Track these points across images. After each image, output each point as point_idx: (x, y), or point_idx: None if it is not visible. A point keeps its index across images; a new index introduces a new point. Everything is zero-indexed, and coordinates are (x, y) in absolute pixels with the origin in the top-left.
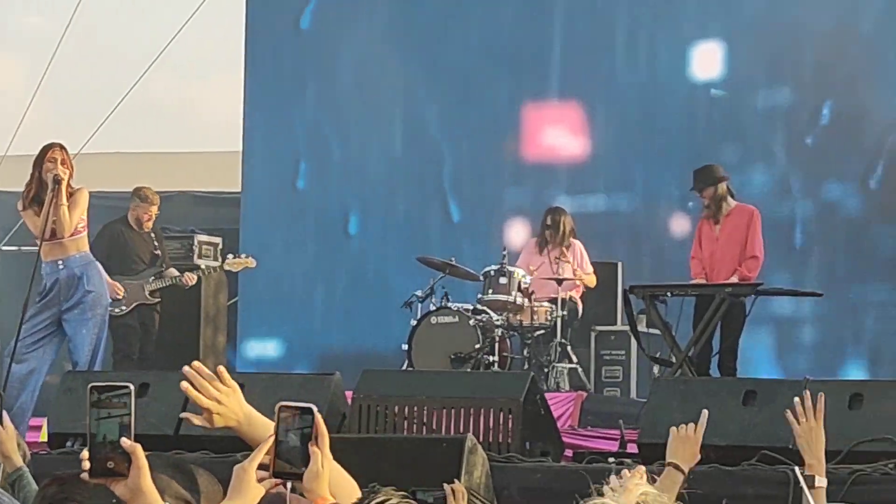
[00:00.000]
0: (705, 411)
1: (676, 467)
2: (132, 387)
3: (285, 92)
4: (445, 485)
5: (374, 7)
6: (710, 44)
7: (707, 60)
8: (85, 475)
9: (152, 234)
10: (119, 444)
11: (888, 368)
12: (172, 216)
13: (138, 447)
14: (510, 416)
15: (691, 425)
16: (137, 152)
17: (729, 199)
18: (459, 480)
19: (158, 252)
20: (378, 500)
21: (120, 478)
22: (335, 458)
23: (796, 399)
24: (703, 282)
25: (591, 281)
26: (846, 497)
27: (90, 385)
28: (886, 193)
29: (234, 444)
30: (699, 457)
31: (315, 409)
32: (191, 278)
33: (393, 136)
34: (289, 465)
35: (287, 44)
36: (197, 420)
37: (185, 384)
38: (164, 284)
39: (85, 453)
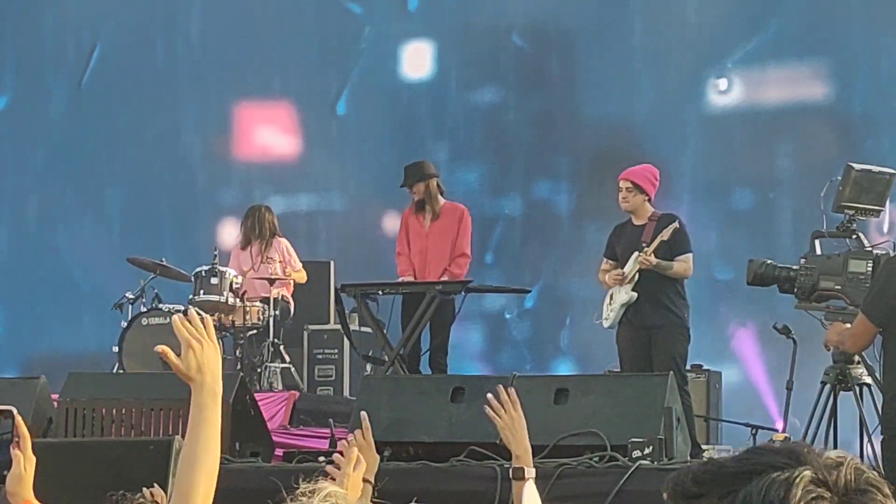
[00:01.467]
0: (363, 413)
1: (366, 481)
2: (15, 410)
3: None
4: (144, 489)
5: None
6: (420, 43)
7: (417, 59)
8: None
9: None
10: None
11: (596, 363)
12: None
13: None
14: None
15: (357, 432)
16: None
17: (439, 196)
18: (168, 482)
19: None
20: None
21: None
22: (41, 463)
23: (489, 395)
24: (413, 280)
25: (302, 277)
26: (552, 491)
27: None
28: (593, 191)
29: None
30: (378, 458)
31: (15, 411)
32: None
33: (97, 134)
34: None
35: None
36: (172, 357)
37: (177, 318)
38: None
39: None
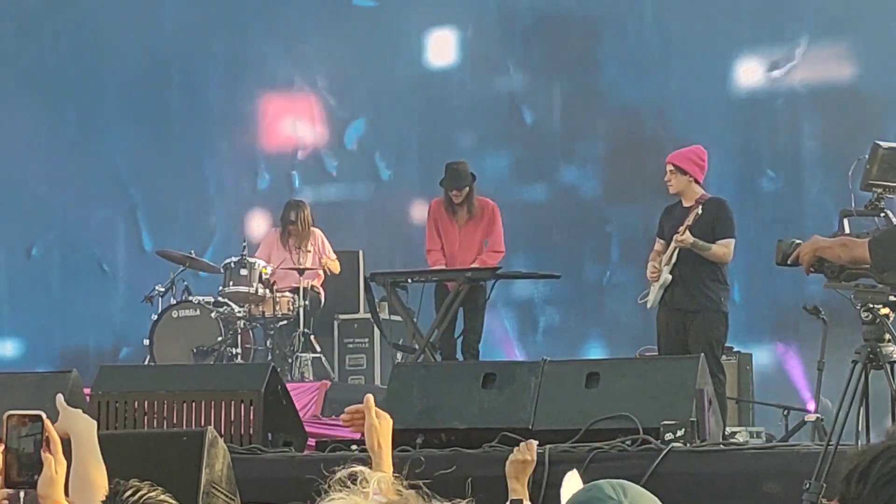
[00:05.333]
0: (368, 395)
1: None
2: (43, 414)
3: None
4: None
5: None
6: (444, 31)
7: (441, 47)
8: None
9: None
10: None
11: (626, 347)
12: None
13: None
14: (251, 407)
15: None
16: None
17: (473, 195)
18: (200, 474)
19: None
20: (128, 493)
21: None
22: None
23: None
24: (443, 268)
25: (336, 267)
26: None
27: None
28: (618, 175)
29: None
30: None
31: (44, 415)
32: None
33: (119, 134)
34: (21, 473)
35: None
36: None
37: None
38: None
39: None
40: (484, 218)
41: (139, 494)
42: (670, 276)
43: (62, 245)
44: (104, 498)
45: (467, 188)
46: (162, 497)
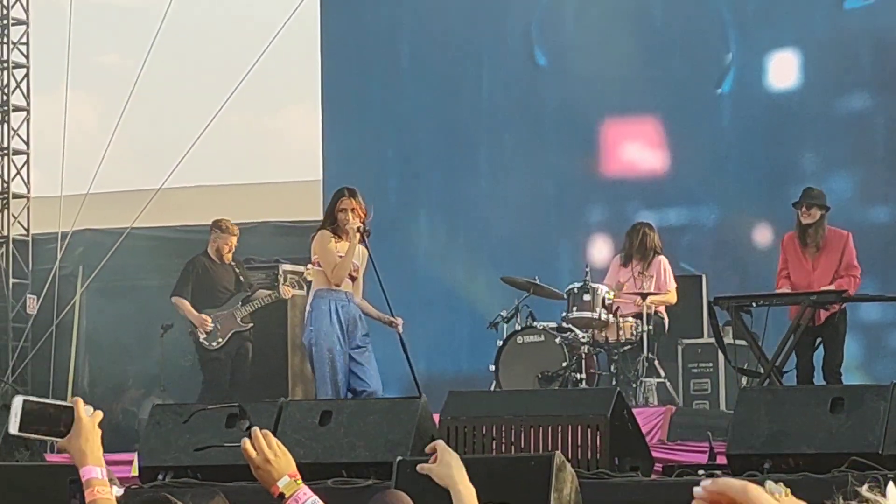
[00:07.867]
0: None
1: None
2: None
3: (363, 119)
4: None
5: (450, 26)
6: (785, 52)
7: (783, 69)
8: None
9: (233, 264)
10: None
11: None
12: (256, 246)
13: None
14: (598, 432)
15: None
16: (218, 185)
17: (826, 226)
18: (549, 498)
19: (243, 279)
20: None
21: None
22: (425, 482)
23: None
24: (788, 290)
25: (671, 299)
26: None
27: None
28: None
29: (319, 472)
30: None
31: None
32: (287, 291)
33: (474, 162)
34: None
35: (362, 72)
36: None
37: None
38: (255, 308)
39: None
40: (836, 250)
41: None
42: None
43: (404, 272)
44: None
45: (818, 211)
46: None
